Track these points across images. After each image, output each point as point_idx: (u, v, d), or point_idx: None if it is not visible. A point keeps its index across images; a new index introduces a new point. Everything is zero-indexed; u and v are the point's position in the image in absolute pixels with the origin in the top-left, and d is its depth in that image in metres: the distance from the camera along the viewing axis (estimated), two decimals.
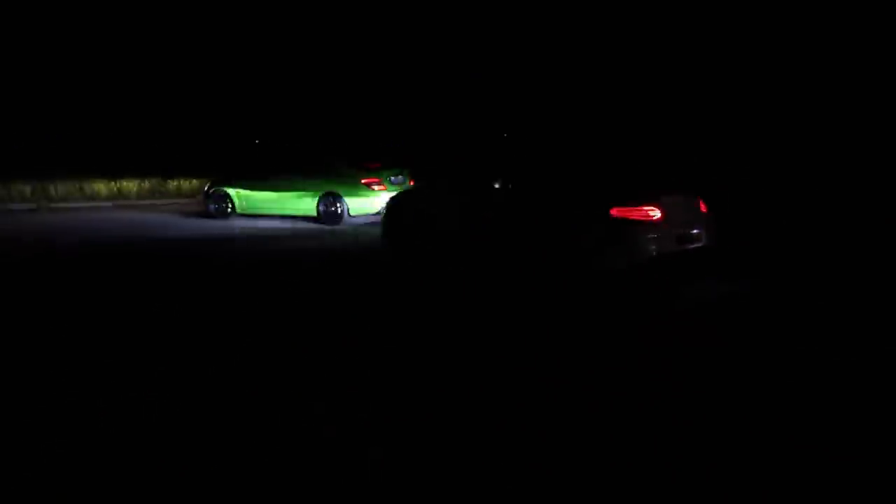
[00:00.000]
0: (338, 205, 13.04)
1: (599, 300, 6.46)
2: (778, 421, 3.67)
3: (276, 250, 10.29)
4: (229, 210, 14.04)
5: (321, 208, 13.19)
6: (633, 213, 6.66)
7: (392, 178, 13.20)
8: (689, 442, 3.41)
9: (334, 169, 13.23)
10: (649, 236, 6.72)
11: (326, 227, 12.80)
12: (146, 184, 19.16)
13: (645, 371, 4.44)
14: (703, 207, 7.43)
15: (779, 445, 3.35)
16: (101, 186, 18.26)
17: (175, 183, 19.65)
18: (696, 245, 7.15)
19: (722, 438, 3.45)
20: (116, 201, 17.92)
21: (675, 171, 9.32)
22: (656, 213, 6.70)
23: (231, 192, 14.01)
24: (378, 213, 11.81)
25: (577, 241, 6.89)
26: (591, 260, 6.83)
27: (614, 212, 6.73)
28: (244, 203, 13.91)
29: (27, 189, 16.96)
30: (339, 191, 12.99)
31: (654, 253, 6.69)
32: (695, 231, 7.17)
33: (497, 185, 7.63)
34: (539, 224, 7.19)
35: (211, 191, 14.31)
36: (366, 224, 12.77)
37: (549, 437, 3.48)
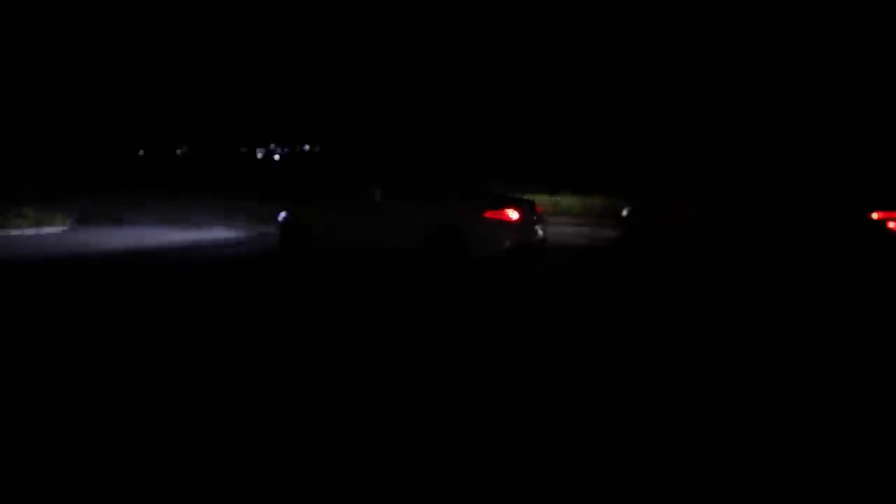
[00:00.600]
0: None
1: (478, 278, 9.04)
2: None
3: None
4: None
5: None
6: (501, 215, 9.52)
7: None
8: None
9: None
10: (511, 231, 9.54)
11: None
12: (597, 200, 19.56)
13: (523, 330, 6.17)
14: (539, 211, 10.48)
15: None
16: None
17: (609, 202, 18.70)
18: (538, 237, 10.12)
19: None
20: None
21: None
22: (515, 215, 9.58)
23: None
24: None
25: (460, 235, 9.49)
26: (472, 249, 9.47)
27: (487, 214, 9.52)
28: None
29: None
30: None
31: (515, 243, 9.57)
32: (536, 227, 10.09)
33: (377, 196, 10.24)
34: (426, 224, 9.66)
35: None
36: None
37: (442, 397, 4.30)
